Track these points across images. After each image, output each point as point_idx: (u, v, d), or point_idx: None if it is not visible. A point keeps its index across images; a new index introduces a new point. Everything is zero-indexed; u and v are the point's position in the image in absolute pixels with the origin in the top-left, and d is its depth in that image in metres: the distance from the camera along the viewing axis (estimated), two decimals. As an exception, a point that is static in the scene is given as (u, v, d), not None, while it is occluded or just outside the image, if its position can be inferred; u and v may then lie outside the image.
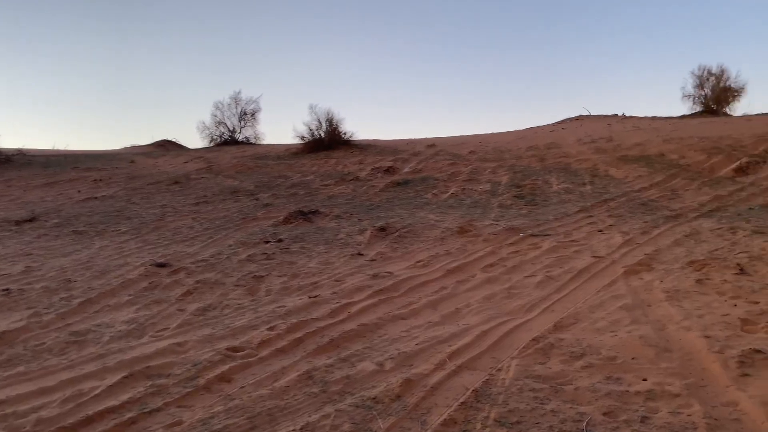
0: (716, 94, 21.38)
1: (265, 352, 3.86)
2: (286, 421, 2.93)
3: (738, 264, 5.22)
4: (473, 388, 3.18)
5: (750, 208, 7.77)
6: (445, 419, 2.85)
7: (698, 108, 21.49)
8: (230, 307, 4.88)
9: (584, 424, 2.74)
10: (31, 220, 9.07)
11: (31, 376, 3.59)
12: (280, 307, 4.81)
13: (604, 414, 2.86)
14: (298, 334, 4.13)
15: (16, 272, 6.01)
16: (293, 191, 10.83)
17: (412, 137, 19.09)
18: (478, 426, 2.79)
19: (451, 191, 10.12)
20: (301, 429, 2.82)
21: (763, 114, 17.80)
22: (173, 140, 23.98)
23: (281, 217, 8.46)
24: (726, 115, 20.54)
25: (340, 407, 3.03)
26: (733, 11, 45.14)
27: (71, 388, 3.38)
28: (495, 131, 20.04)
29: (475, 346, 3.85)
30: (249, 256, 6.49)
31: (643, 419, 2.79)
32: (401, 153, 14.44)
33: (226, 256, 6.52)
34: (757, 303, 4.33)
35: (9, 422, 2.99)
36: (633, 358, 3.51)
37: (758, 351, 3.42)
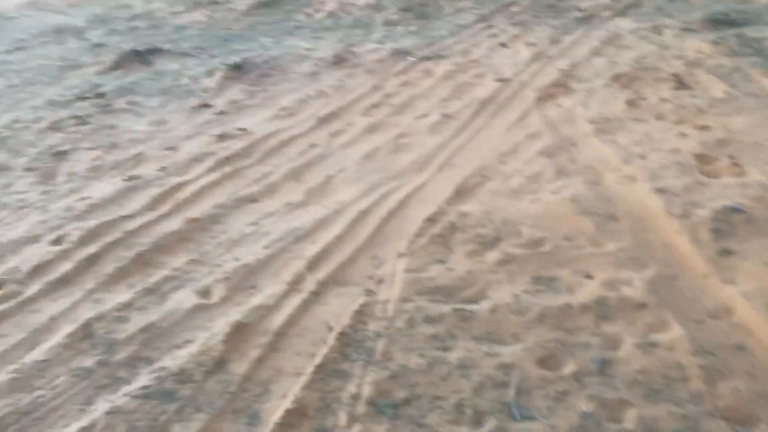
0: None
1: (35, 288, 2.54)
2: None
3: (674, 74, 4.19)
4: (339, 330, 2.05)
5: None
6: (288, 409, 1.73)
7: None
8: (9, 206, 3.42)
9: (511, 392, 1.70)
10: None
11: None
12: (81, 199, 3.40)
13: (540, 364, 1.83)
14: (94, 248, 2.81)
15: None
16: (134, 24, 8.74)
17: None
18: (342, 418, 1.70)
19: (328, 8, 8.40)
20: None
21: None
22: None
23: (110, 62, 6.62)
24: None
25: (118, 401, 1.83)
26: None
27: None
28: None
29: (348, 239, 2.70)
30: (55, 122, 4.85)
31: (602, 369, 1.78)
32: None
33: (24, 125, 4.85)
34: (708, 128, 3.35)
35: None
36: (567, 239, 2.47)
37: (735, 209, 2.45)
